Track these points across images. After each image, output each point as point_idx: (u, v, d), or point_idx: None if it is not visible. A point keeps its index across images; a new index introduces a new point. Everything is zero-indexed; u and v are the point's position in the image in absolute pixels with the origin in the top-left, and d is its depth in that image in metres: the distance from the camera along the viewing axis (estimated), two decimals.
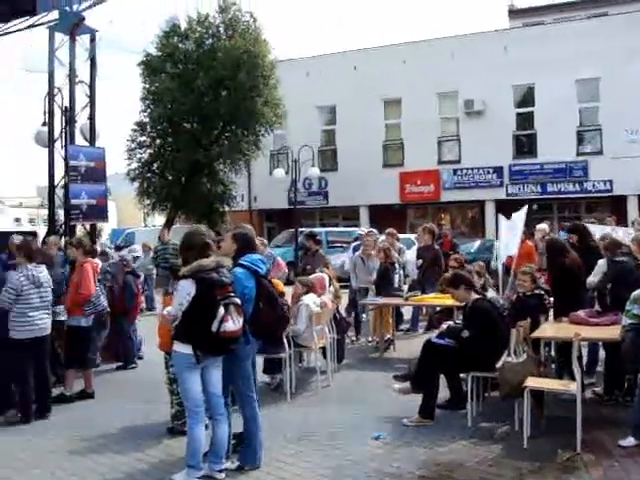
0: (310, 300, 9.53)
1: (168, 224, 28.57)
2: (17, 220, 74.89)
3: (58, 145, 13.86)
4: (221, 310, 5.96)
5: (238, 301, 6.13)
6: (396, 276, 13.39)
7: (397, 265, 13.51)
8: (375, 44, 34.73)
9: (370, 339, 12.97)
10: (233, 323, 6.02)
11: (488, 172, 30.68)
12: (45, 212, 72.27)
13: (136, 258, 15.17)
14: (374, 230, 15.83)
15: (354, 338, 13.22)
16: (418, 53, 30.96)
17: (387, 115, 33.17)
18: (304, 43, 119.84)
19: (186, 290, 6.07)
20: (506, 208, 17.18)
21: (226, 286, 6.12)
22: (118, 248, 15.69)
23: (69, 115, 13.52)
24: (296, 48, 53.97)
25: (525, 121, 30.68)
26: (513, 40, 29.87)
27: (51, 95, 13.47)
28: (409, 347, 11.86)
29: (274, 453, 6.93)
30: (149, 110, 29.90)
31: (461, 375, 8.32)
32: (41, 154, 13.76)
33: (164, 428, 7.87)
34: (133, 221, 45.17)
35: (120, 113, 41.67)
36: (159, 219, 43.75)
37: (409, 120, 31.70)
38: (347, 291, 13.64)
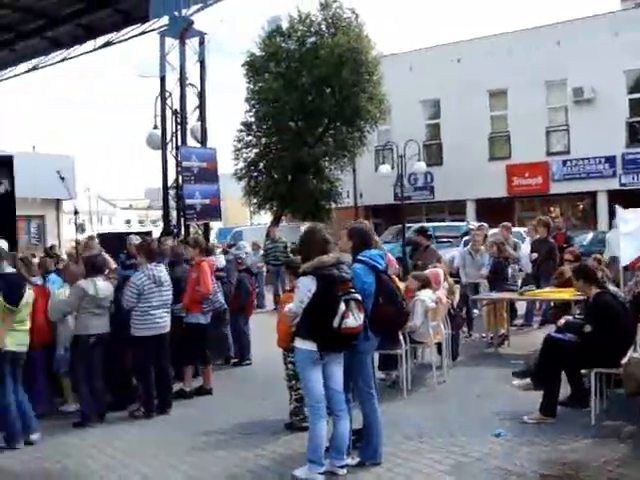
0: (425, 295, 9.44)
1: (276, 222, 28.89)
2: (127, 222, 77.32)
3: (168, 147, 14.18)
4: (342, 306, 5.96)
5: (359, 297, 6.12)
6: (510, 270, 13.14)
7: (510, 260, 13.26)
8: (478, 35, 34.01)
9: (484, 335, 12.76)
10: (354, 319, 6.01)
11: (600, 162, 29.68)
12: (153, 213, 74.00)
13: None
14: (485, 224, 15.57)
15: (467, 334, 13.04)
16: (524, 42, 30.21)
17: (492, 107, 32.55)
18: (406, 37, 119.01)
19: (307, 287, 6.09)
20: (620, 199, 16.58)
21: (346, 282, 6.12)
22: (229, 246, 15.90)
23: (181, 117, 13.81)
24: (398, 43, 53.67)
25: (639, 107, 29.57)
26: (624, 23, 28.69)
27: (163, 98, 13.79)
28: (524, 342, 11.67)
29: (393, 449, 6.91)
30: (254, 110, 30.27)
31: (582, 371, 8.10)
32: (150, 157, 14.14)
33: (282, 424, 7.94)
34: (239, 220, 45.90)
35: (225, 115, 42.43)
36: (264, 218, 44.33)
37: (516, 111, 31.00)
38: (458, 286, 13.47)
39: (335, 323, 5.95)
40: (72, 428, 8.34)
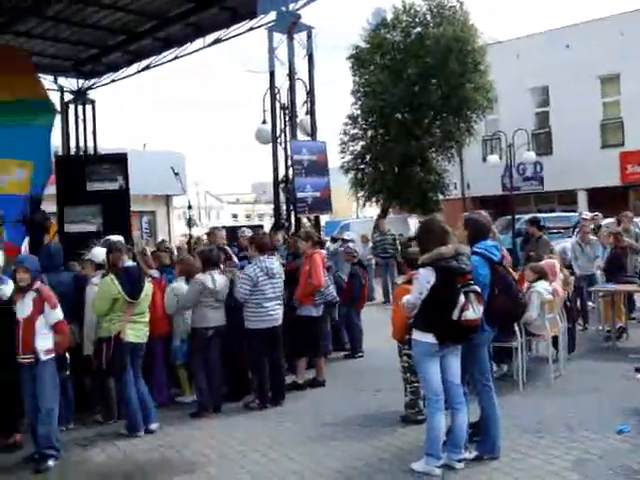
0: (542, 287, 9.22)
1: (383, 215, 28.81)
2: (234, 216, 78.57)
3: (278, 141, 14.29)
4: (461, 298, 5.88)
5: (478, 289, 6.02)
6: (630, 261, 12.68)
7: (630, 250, 12.78)
8: (587, 18, 32.96)
9: (600, 328, 12.37)
10: (473, 311, 5.92)
11: None
12: (260, 207, 74.80)
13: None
14: (599, 214, 15.09)
15: (582, 327, 12.67)
16: (636, 23, 29.10)
17: (604, 93, 31.46)
18: (512, 24, 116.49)
19: (426, 278, 6.03)
20: None
21: (466, 274, 6.03)
22: (334, 240, 15.94)
23: (290, 111, 13.90)
24: (504, 30, 52.64)
25: None
26: None
27: (272, 94, 13.90)
28: None
29: (511, 444, 6.77)
30: (360, 103, 30.23)
31: None
32: (257, 152, 14.27)
33: (397, 416, 7.91)
34: (346, 213, 45.99)
35: (331, 108, 42.63)
36: (369, 211, 44.24)
37: (629, 96, 29.83)
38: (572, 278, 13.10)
39: (454, 315, 5.88)
40: (189, 418, 8.53)
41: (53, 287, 7.45)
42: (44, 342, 7.02)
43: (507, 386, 8.85)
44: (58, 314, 7.08)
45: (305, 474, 6.46)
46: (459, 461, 6.28)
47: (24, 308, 7.03)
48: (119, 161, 15.75)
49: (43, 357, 6.99)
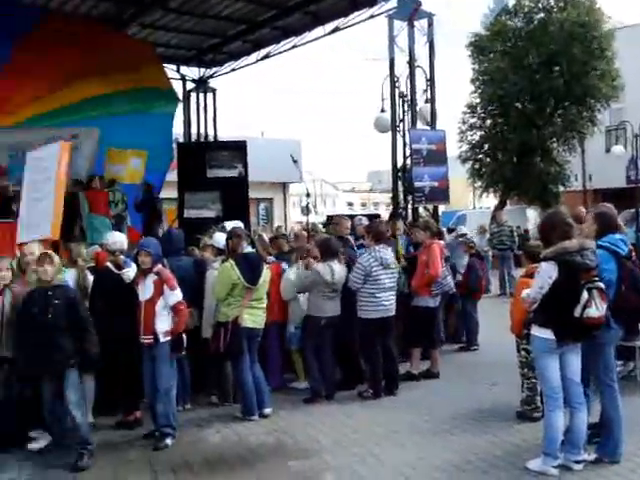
0: None
1: (501, 206, 28.27)
2: (350, 204, 78.72)
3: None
4: (584, 295, 5.66)
5: (602, 286, 5.79)
6: None
7: None
8: None
9: None
10: (596, 309, 5.69)
11: None
12: (375, 196, 74.66)
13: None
14: None
15: None
16: None
17: None
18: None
19: (548, 273, 5.84)
20: None
21: (590, 270, 5.80)
22: (450, 230, 15.76)
23: (410, 100, 13.79)
24: (633, 14, 50.56)
25: None
26: None
27: (392, 81, 13.81)
28: None
29: (634, 448, 6.47)
30: (479, 91, 29.68)
31: None
32: (373, 141, 14.21)
33: (512, 412, 7.74)
34: (462, 204, 45.39)
35: (449, 97, 42.08)
36: (486, 201, 43.51)
37: None
38: None
39: (577, 312, 5.67)
40: (303, 404, 8.60)
41: (173, 271, 7.62)
42: (163, 324, 7.19)
43: (630, 387, 8.49)
44: (177, 295, 7.24)
45: (419, 465, 6.40)
46: (577, 462, 6.07)
47: (145, 290, 7.22)
48: (238, 148, 16.02)
49: (162, 338, 7.17)
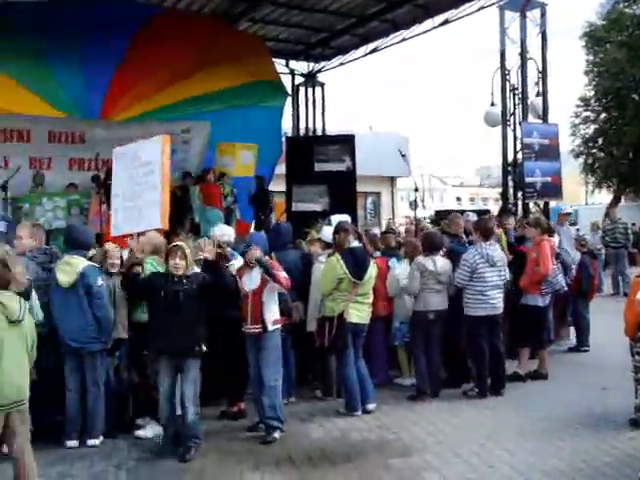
0: None
1: (615, 202, 27.36)
2: (458, 199, 77.82)
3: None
4: None
5: None
6: None
7: None
8: None
9: None
10: None
11: None
12: (484, 191, 73.46)
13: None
14: None
15: None
16: None
17: None
18: None
19: None
20: None
21: None
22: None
23: (521, 92, 13.50)
24: None
25: None
26: None
27: (503, 74, 13.57)
28: None
29: None
30: (593, 83, 28.77)
31: None
32: (484, 135, 14.01)
33: (625, 418, 7.43)
34: (572, 199, 44.14)
35: (561, 89, 40.94)
36: (599, 197, 42.20)
37: None
38: None
39: None
40: (407, 401, 8.52)
41: (280, 264, 7.63)
42: (271, 312, 7.21)
43: None
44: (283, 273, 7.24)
45: (524, 469, 6.22)
46: None
47: (251, 281, 7.25)
48: (346, 142, 16.05)
49: (270, 327, 7.17)
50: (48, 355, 6.98)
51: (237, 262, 7.72)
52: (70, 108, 15.00)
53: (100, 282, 7.07)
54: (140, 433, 7.26)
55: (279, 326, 7.33)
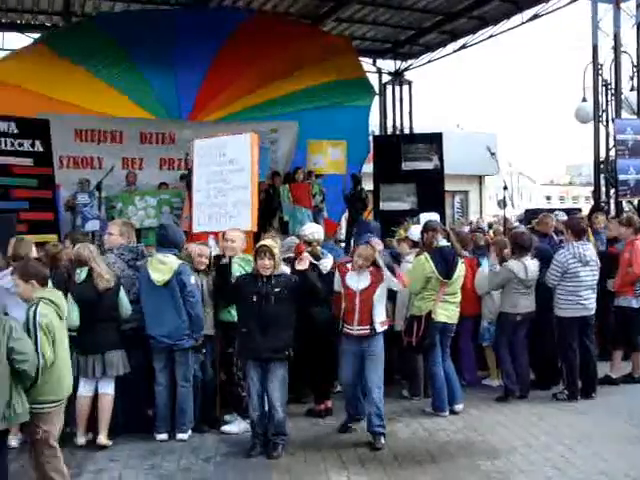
0: None
1: None
2: (548, 198, 76.26)
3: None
4: None
5: None
6: None
7: None
8: None
9: None
10: None
11: None
12: (574, 190, 71.62)
13: None
14: None
15: None
16: None
17: None
18: None
19: None
20: None
21: None
22: None
23: (614, 88, 13.13)
24: None
25: None
26: None
27: (595, 68, 13.22)
28: None
29: None
30: None
31: None
32: (573, 132, 13.69)
33: None
34: None
35: None
36: None
37: None
38: None
39: None
40: (494, 402, 8.40)
41: None
42: (380, 314, 7.11)
43: None
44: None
45: (616, 476, 6.06)
46: None
47: (360, 279, 7.09)
48: (434, 141, 15.95)
49: (379, 329, 7.07)
50: (138, 351, 7.21)
51: (327, 261, 7.77)
52: (161, 110, 15.50)
53: (193, 280, 7.19)
54: (226, 428, 7.37)
55: (386, 327, 7.24)
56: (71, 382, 5.51)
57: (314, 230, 8.26)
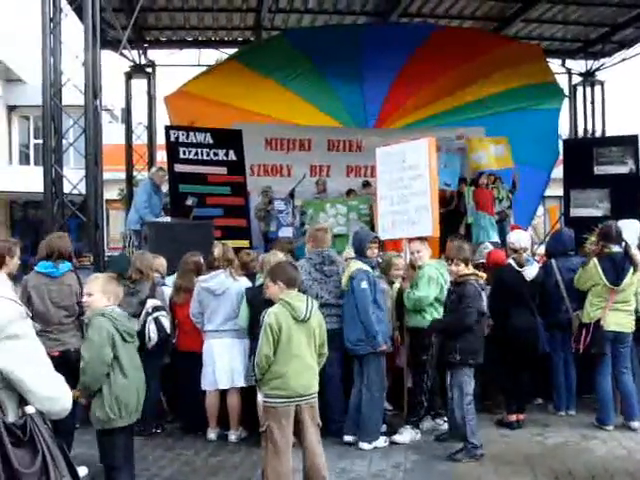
0: None
1: None
2: None
3: None
4: None
5: None
6: None
7: None
8: None
9: None
10: None
11: None
12: None
13: None
14: None
15: None
16: None
17: None
18: None
19: None
20: None
21: None
22: None
23: None
24: None
25: None
26: None
27: None
28: None
29: None
30: None
31: None
32: None
33: None
34: None
35: None
36: None
37: None
38: None
39: None
40: None
41: (560, 272, 7.95)
42: None
43: None
44: None
45: None
46: None
47: None
48: (629, 143, 15.17)
49: None
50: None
51: (532, 268, 7.78)
52: (348, 119, 15.80)
53: (363, 285, 7.19)
54: (397, 438, 7.33)
55: None
56: (307, 381, 5.49)
57: (520, 237, 8.27)
